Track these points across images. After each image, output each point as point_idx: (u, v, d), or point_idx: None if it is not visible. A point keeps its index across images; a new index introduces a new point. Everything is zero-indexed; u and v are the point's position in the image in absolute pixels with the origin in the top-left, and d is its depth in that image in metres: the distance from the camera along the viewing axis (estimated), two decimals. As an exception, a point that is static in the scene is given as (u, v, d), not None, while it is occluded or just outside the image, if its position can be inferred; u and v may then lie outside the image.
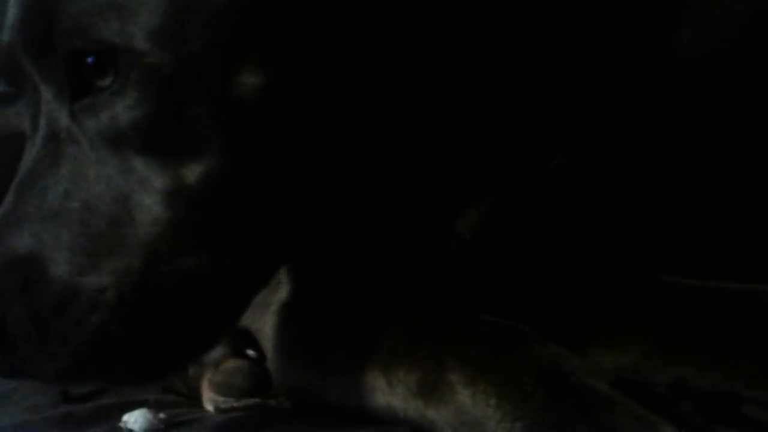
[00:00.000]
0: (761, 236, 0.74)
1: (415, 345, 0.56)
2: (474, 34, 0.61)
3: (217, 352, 0.71)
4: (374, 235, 0.66)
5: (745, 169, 0.76)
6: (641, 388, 0.59)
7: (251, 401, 0.69)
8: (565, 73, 0.66)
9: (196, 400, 0.72)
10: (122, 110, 0.51)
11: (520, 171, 0.67)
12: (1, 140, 0.92)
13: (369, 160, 0.61)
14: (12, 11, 0.55)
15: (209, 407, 0.69)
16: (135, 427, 0.63)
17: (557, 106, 0.66)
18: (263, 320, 0.69)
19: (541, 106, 0.65)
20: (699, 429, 0.53)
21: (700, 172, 0.74)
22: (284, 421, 0.62)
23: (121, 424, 0.64)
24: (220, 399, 0.69)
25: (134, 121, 0.51)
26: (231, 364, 0.71)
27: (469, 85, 0.62)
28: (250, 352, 0.72)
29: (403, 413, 0.55)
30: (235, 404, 0.69)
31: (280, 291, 0.68)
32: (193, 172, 0.52)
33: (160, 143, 0.51)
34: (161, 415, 0.65)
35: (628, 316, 0.65)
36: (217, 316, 0.55)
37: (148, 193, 0.52)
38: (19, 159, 0.68)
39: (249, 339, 0.72)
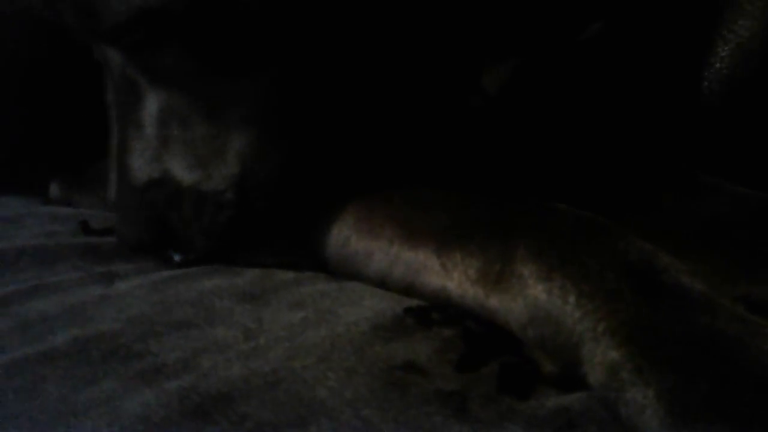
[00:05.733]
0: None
1: (476, 228, 0.52)
2: None
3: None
4: (398, 96, 0.63)
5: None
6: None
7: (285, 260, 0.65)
8: None
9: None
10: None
11: (549, 35, 0.63)
12: None
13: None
14: None
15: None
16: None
17: None
18: None
19: None
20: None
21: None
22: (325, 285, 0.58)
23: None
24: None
25: None
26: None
27: None
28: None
29: (458, 299, 0.51)
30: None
31: None
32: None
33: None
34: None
35: (668, 216, 0.61)
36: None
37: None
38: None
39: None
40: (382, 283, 0.57)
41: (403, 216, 0.56)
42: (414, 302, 0.53)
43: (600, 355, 0.41)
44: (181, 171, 0.62)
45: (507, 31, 0.63)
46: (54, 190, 0.90)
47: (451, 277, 0.51)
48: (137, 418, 0.41)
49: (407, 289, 0.55)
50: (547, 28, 0.64)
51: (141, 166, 0.63)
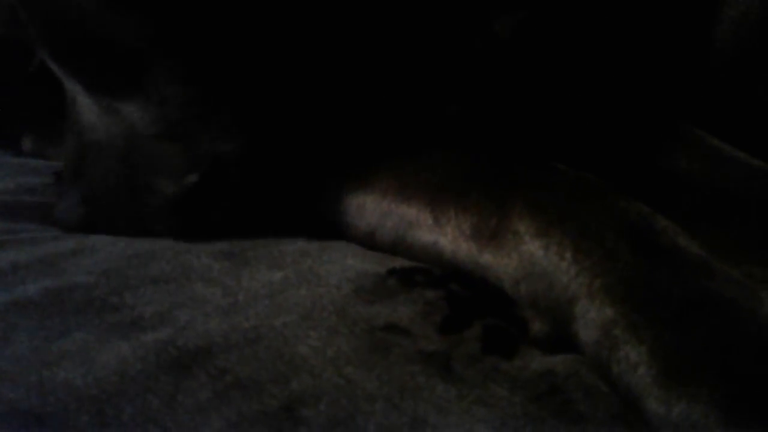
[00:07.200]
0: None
1: (472, 184, 0.51)
2: None
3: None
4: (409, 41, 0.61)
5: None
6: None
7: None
8: None
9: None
10: None
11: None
12: None
13: None
14: None
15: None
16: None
17: None
18: None
19: None
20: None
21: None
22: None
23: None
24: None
25: None
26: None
27: None
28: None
29: (450, 254, 0.50)
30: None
31: None
32: None
33: None
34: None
35: (677, 183, 0.61)
36: None
37: None
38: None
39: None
40: (371, 236, 0.55)
41: (397, 169, 0.55)
42: (398, 263, 0.52)
43: (594, 312, 0.41)
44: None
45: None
46: (26, 143, 0.89)
47: (444, 231, 0.51)
48: (112, 371, 0.40)
49: (397, 243, 0.54)
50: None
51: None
